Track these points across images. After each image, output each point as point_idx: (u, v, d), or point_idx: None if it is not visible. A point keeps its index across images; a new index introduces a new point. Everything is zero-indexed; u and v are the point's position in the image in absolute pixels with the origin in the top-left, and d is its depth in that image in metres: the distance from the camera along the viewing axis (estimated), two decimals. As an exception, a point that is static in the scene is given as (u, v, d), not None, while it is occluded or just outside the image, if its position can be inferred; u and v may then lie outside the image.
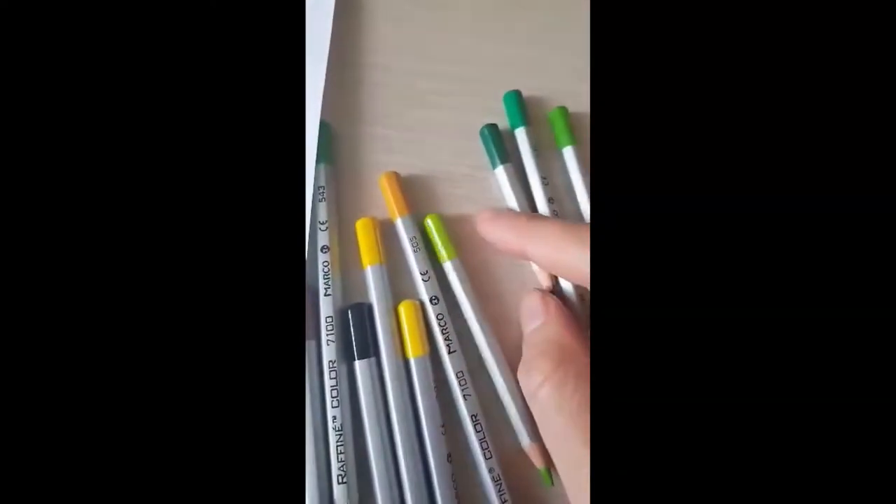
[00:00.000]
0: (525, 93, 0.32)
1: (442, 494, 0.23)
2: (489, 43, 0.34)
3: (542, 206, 0.29)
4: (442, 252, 0.28)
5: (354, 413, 0.24)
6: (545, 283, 0.28)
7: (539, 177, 0.29)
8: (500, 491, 0.23)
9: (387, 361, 0.25)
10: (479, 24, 0.34)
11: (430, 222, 0.28)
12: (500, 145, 0.30)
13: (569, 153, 0.30)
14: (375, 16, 0.34)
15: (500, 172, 0.29)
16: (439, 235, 0.28)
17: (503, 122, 0.31)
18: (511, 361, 0.26)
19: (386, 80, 0.32)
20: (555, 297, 0.26)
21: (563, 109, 0.31)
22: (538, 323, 0.25)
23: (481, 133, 0.30)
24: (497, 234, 0.26)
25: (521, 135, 0.30)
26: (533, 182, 0.29)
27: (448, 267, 0.27)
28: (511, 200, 0.29)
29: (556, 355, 0.22)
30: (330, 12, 0.33)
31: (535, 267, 0.28)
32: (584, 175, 0.29)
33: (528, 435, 0.25)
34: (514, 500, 0.24)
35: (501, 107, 0.32)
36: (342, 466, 0.23)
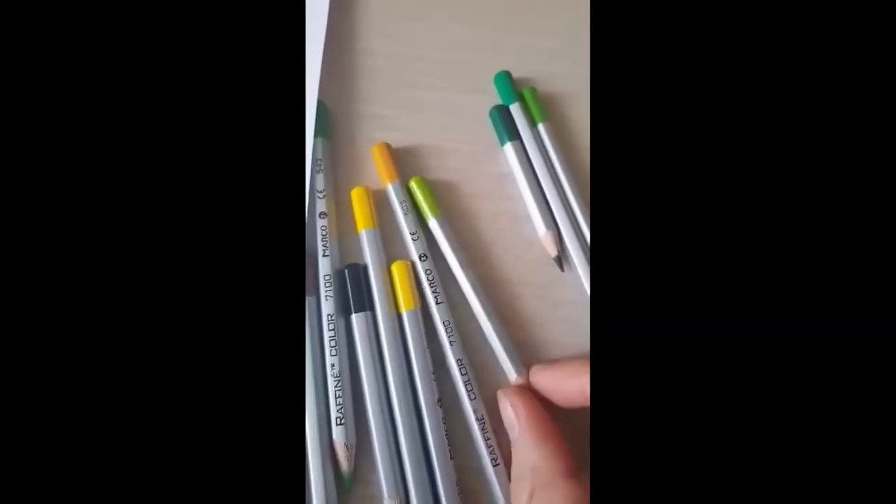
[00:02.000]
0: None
1: (433, 435, 0.24)
2: (469, 28, 0.35)
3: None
4: (426, 211, 0.28)
5: (351, 362, 0.25)
6: (552, 252, 0.28)
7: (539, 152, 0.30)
8: (483, 430, 0.24)
9: (381, 315, 0.26)
10: (462, 12, 0.35)
11: (414, 185, 0.29)
12: (509, 124, 0.31)
13: (544, 129, 0.31)
14: (369, 4, 0.35)
15: (509, 149, 0.30)
16: (423, 196, 0.29)
17: (489, 101, 0.32)
18: (495, 305, 0.27)
19: (378, 63, 0.33)
20: (527, 394, 0.24)
21: (533, 90, 0.32)
22: (514, 435, 0.23)
23: (490, 114, 0.31)
24: (553, 383, 0.24)
25: (515, 111, 0.31)
26: (534, 155, 0.30)
27: (433, 224, 0.28)
28: (519, 175, 0.30)
29: (530, 481, 0.21)
30: (325, 1, 0.33)
31: (540, 232, 0.29)
32: (558, 151, 0.30)
33: (516, 372, 0.25)
34: (497, 440, 0.24)
35: (484, 86, 0.33)
36: (340, 409, 0.24)
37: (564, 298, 0.28)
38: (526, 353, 0.27)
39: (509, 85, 0.32)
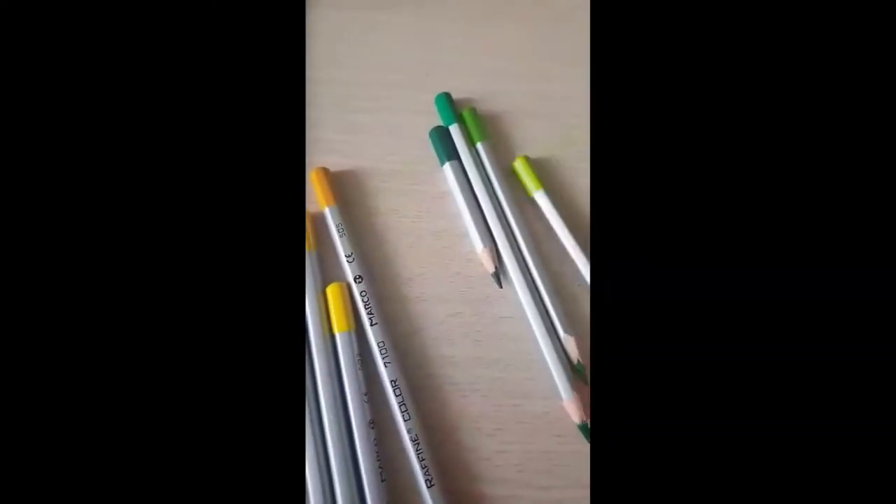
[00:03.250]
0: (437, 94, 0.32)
1: (363, 456, 0.23)
2: (411, 51, 0.35)
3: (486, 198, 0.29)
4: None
5: (283, 385, 0.24)
6: (490, 268, 0.28)
7: (476, 170, 0.30)
8: (418, 451, 0.23)
9: (314, 338, 0.25)
10: (404, 35, 0.35)
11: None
12: (448, 144, 0.31)
13: (482, 147, 0.31)
14: (313, 37, 0.35)
15: (447, 168, 0.30)
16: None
17: (431, 122, 0.32)
18: (434, 322, 0.26)
19: (322, 90, 0.33)
20: None
21: (473, 110, 0.32)
22: None
23: (430, 134, 0.31)
24: None
25: (454, 131, 0.31)
26: (472, 174, 0.30)
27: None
28: (457, 193, 0.29)
29: None
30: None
31: (478, 249, 0.28)
32: (497, 168, 0.30)
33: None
34: (431, 460, 0.24)
35: (423, 108, 0.33)
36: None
37: (503, 314, 0.28)
38: (463, 370, 0.26)
39: (449, 106, 0.32)
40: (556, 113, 0.33)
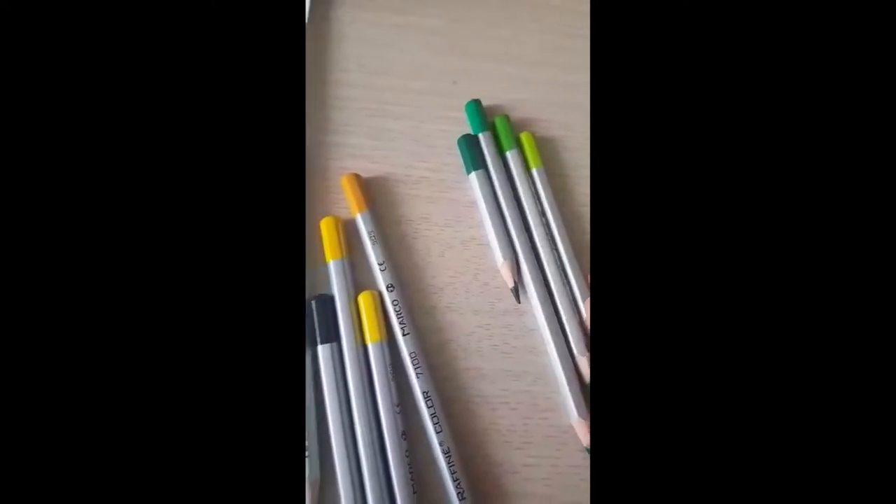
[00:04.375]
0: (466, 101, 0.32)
1: (395, 470, 0.23)
2: (442, 57, 0.34)
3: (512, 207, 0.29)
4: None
5: (317, 393, 0.24)
6: (509, 282, 0.27)
7: (506, 179, 0.29)
8: (449, 463, 0.23)
9: (346, 347, 0.25)
10: (435, 41, 0.34)
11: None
12: (476, 153, 0.30)
13: (511, 156, 0.30)
14: (341, 36, 0.34)
15: (473, 178, 0.29)
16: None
17: (460, 130, 0.31)
18: (462, 344, 0.26)
19: (351, 94, 0.32)
20: None
21: (506, 117, 0.31)
22: None
23: (458, 143, 0.31)
24: None
25: (484, 139, 0.30)
26: (499, 184, 0.29)
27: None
28: (481, 204, 0.29)
29: None
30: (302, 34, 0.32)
31: (499, 262, 0.28)
32: (524, 179, 0.30)
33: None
34: (463, 472, 0.23)
35: (454, 115, 0.32)
36: (306, 443, 0.23)
37: (531, 326, 0.27)
38: (491, 383, 0.26)
39: (479, 113, 0.31)
40: (586, 121, 0.33)
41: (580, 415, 0.24)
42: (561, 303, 0.27)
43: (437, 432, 0.24)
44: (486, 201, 0.29)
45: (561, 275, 0.28)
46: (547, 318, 0.26)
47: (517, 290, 0.27)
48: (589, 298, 0.27)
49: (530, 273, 0.27)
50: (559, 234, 0.28)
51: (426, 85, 0.33)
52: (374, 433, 0.23)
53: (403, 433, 0.23)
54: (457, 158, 0.31)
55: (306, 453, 0.23)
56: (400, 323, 0.26)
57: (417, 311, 0.27)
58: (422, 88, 0.33)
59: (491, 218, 0.29)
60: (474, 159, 0.30)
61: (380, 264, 0.27)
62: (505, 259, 0.27)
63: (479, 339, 0.27)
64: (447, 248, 0.29)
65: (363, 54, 0.34)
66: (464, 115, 0.32)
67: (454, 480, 0.23)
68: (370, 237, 0.27)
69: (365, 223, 0.28)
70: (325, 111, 0.32)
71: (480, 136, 0.31)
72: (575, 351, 0.26)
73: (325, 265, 0.27)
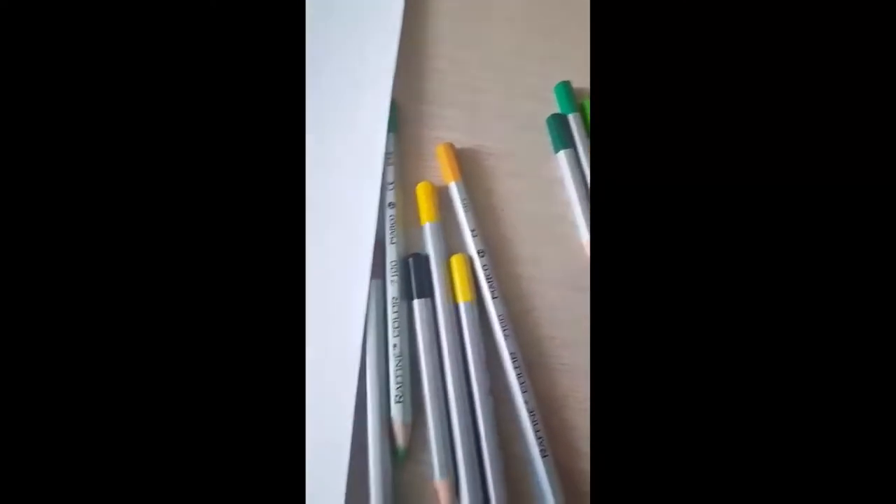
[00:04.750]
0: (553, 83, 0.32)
1: (484, 421, 0.24)
2: (534, 38, 0.35)
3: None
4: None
5: (411, 344, 0.25)
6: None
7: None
8: (533, 421, 0.24)
9: (440, 303, 0.26)
10: (528, 23, 0.35)
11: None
12: (565, 133, 0.31)
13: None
14: (440, 12, 0.35)
15: (562, 156, 0.30)
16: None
17: (548, 109, 0.32)
18: (545, 314, 0.27)
19: (447, 67, 0.33)
20: None
21: None
22: None
23: (548, 121, 0.32)
24: None
25: (574, 120, 0.31)
26: (586, 164, 0.30)
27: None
28: (569, 182, 0.30)
29: None
30: (400, 10, 0.34)
31: (584, 239, 0.28)
32: None
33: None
34: (546, 430, 0.24)
35: (544, 95, 0.33)
36: (399, 388, 0.24)
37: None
38: (572, 353, 0.27)
39: (569, 94, 0.32)
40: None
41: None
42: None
43: (523, 392, 0.25)
44: (573, 179, 0.30)
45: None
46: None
47: None
48: None
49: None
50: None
51: (518, 65, 0.34)
52: (464, 386, 0.24)
53: (490, 389, 0.24)
54: (545, 137, 0.32)
55: (400, 398, 0.24)
56: (490, 286, 0.27)
57: (503, 279, 0.28)
58: (513, 68, 0.34)
59: (579, 196, 0.29)
60: (563, 138, 0.31)
61: (472, 230, 0.28)
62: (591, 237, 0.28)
63: (561, 311, 0.28)
64: (532, 223, 0.30)
65: (458, 31, 0.35)
66: (553, 97, 0.33)
67: (538, 438, 0.24)
68: (463, 204, 0.28)
69: (459, 191, 0.29)
70: (421, 82, 0.33)
71: (570, 116, 0.32)
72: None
73: (420, 227, 0.28)
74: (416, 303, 0.26)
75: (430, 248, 0.27)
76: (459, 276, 0.27)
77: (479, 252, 0.27)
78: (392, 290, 0.26)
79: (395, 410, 0.24)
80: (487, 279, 0.27)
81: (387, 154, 0.29)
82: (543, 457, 0.24)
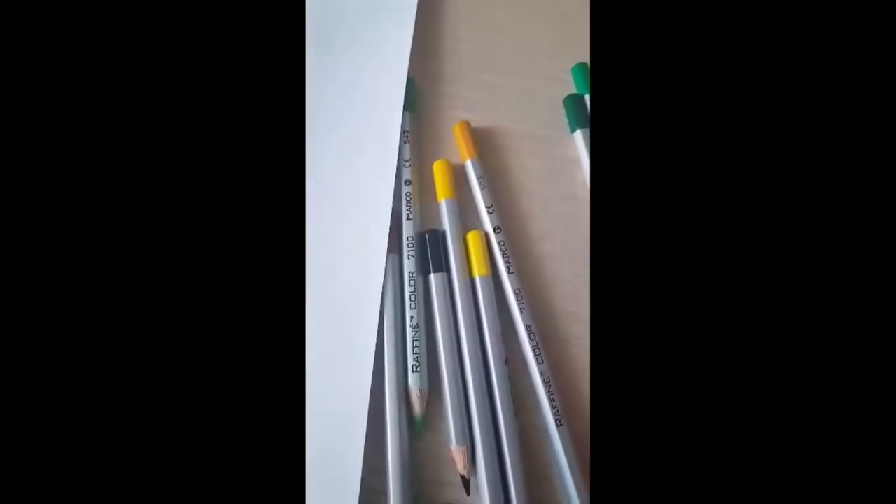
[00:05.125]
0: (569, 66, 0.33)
1: (499, 390, 0.24)
2: (550, 21, 0.35)
3: None
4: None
5: (428, 316, 0.26)
6: None
7: None
8: (549, 391, 0.24)
9: (456, 277, 0.26)
10: (544, 5, 0.35)
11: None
12: (582, 113, 0.31)
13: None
14: (456, -6, 0.35)
15: (579, 136, 0.30)
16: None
17: (564, 90, 0.32)
18: (560, 290, 0.27)
19: (463, 49, 0.34)
20: None
21: None
22: None
23: (565, 101, 0.32)
24: None
25: (590, 100, 0.31)
26: None
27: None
28: (585, 161, 0.30)
29: None
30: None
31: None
32: None
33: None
34: (561, 401, 0.25)
35: (561, 76, 0.33)
36: (416, 358, 0.24)
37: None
38: (586, 328, 0.27)
39: (586, 76, 0.32)
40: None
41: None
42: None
43: (539, 363, 0.25)
44: (589, 158, 0.30)
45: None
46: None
47: None
48: None
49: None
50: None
51: (535, 46, 0.34)
52: (480, 357, 0.25)
53: (507, 360, 0.25)
54: (561, 118, 0.32)
55: (417, 368, 0.24)
56: (505, 262, 0.27)
57: (518, 255, 0.28)
58: (531, 49, 0.34)
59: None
60: (579, 118, 0.31)
61: (488, 207, 0.28)
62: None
63: (577, 288, 0.28)
64: (548, 201, 0.30)
65: (476, 12, 0.35)
66: (569, 78, 0.33)
67: (553, 407, 0.24)
68: (479, 182, 0.29)
69: (475, 168, 0.29)
70: (439, 63, 0.33)
71: (586, 97, 0.32)
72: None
73: (437, 204, 0.29)
74: (433, 277, 0.26)
75: (447, 224, 0.28)
76: (475, 251, 0.27)
77: (494, 229, 0.28)
78: (409, 265, 0.26)
79: (412, 379, 0.24)
80: (503, 255, 0.27)
81: (404, 132, 0.29)
82: (559, 426, 0.24)
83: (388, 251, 0.26)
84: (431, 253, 0.27)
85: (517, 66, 0.33)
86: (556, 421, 0.24)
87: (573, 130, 0.31)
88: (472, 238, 0.27)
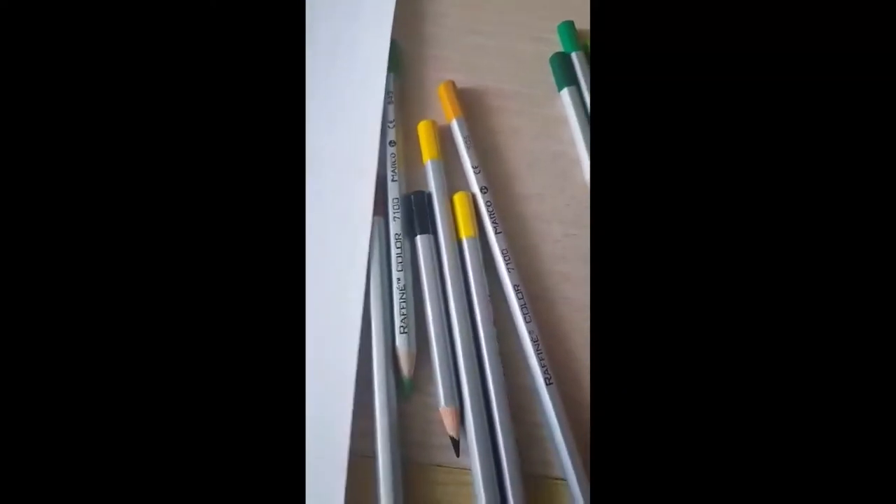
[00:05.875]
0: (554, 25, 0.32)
1: (488, 350, 0.24)
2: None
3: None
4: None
5: (415, 279, 0.25)
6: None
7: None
8: (537, 350, 0.24)
9: (443, 238, 0.26)
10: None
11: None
12: (569, 71, 0.30)
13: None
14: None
15: (566, 94, 0.30)
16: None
17: (551, 50, 0.31)
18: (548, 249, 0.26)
19: (447, 11, 0.33)
20: None
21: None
22: None
23: (551, 60, 0.31)
24: None
25: (577, 58, 0.30)
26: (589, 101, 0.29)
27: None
28: (573, 119, 0.29)
29: None
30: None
31: (587, 177, 0.28)
32: None
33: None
34: (550, 360, 0.24)
35: (547, 36, 0.32)
36: (404, 319, 0.24)
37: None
38: (575, 287, 0.26)
39: (572, 34, 0.31)
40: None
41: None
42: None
43: (527, 322, 0.24)
44: (576, 117, 0.29)
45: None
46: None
47: None
48: None
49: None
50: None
51: (520, 6, 0.33)
52: (468, 317, 0.24)
53: (494, 321, 0.24)
54: (548, 77, 0.31)
55: (405, 329, 0.24)
56: (493, 222, 0.26)
57: (506, 215, 0.27)
58: (516, 9, 0.33)
59: (583, 133, 0.29)
60: (566, 76, 0.30)
61: (474, 167, 0.27)
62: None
63: (565, 248, 0.27)
64: (536, 161, 0.29)
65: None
66: (555, 37, 0.32)
67: (542, 366, 0.24)
68: (465, 142, 0.28)
69: (460, 128, 0.28)
70: (423, 25, 0.32)
71: (573, 54, 0.31)
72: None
73: (423, 166, 0.28)
74: (419, 238, 0.26)
75: (433, 186, 0.27)
76: (462, 212, 0.26)
77: (481, 189, 0.27)
78: (395, 227, 0.26)
79: (400, 340, 0.24)
80: (490, 215, 0.26)
81: (388, 93, 0.29)
82: (548, 385, 0.23)
83: (374, 213, 0.26)
84: (417, 215, 0.26)
85: (502, 26, 0.32)
86: (545, 380, 0.23)
87: (560, 89, 0.30)
88: (459, 199, 0.27)
